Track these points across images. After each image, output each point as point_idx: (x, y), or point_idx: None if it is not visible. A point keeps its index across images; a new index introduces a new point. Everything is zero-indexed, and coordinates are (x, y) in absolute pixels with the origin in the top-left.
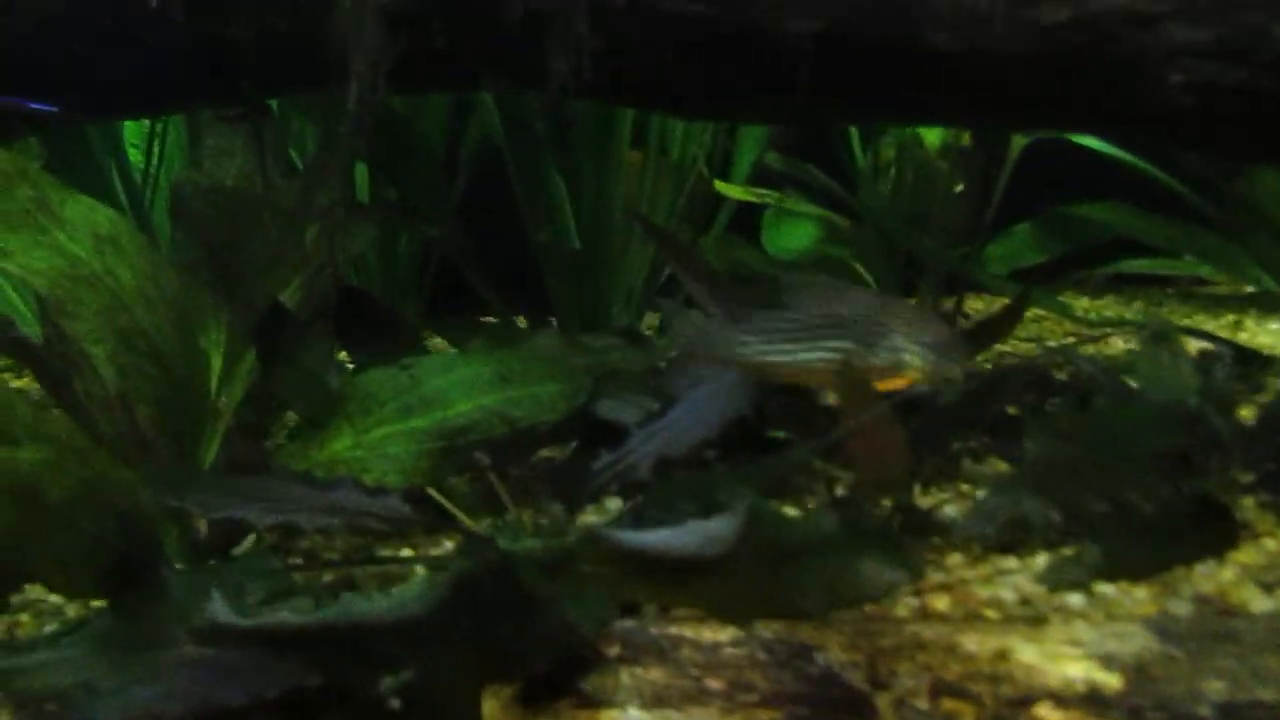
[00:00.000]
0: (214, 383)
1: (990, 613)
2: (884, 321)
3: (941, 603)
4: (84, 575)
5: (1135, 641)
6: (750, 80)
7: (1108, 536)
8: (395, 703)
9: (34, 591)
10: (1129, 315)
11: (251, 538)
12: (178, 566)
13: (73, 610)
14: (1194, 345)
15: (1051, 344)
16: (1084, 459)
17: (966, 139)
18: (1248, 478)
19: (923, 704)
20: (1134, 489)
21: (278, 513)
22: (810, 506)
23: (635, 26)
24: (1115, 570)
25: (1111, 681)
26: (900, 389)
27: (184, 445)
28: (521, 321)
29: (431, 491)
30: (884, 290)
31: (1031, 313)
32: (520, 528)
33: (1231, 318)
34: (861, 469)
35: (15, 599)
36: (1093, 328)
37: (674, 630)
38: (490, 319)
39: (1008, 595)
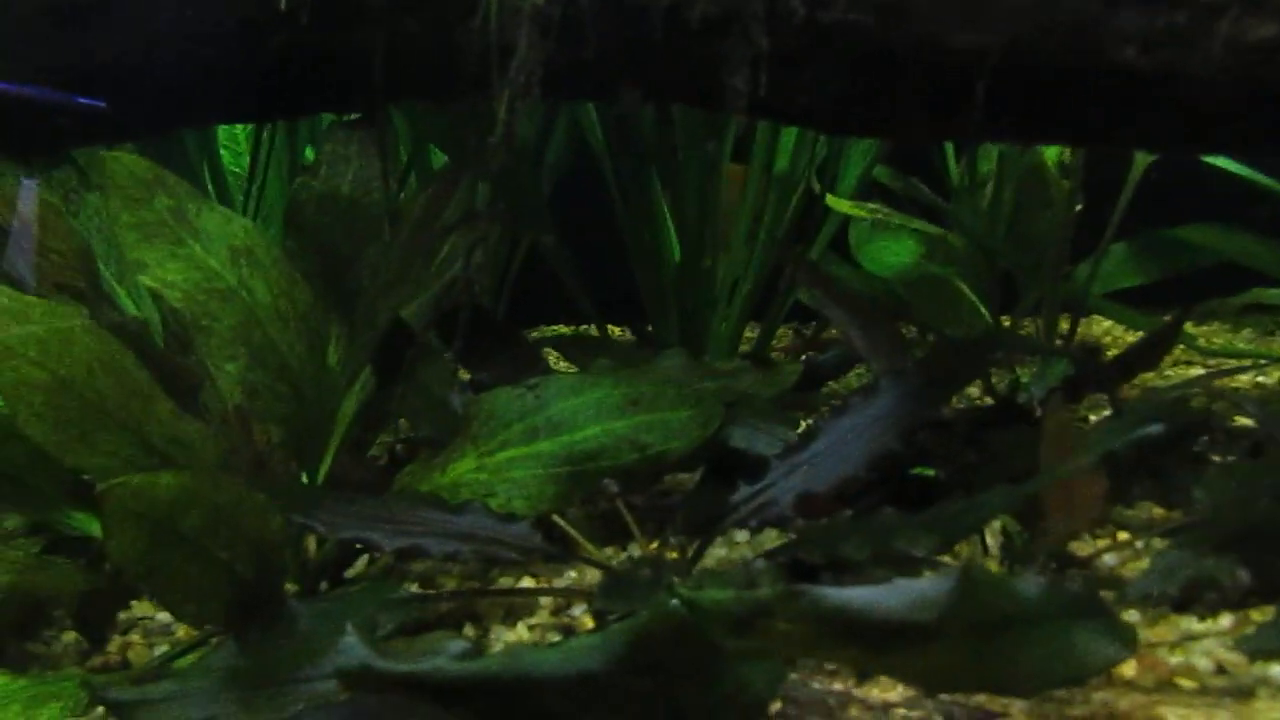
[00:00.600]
0: (342, 402)
1: (1185, 682)
2: None
3: (1128, 668)
4: (213, 603)
5: None
6: (918, 97)
7: None
8: None
9: (140, 608)
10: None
11: (363, 560)
12: (291, 589)
13: (181, 630)
14: None
15: (1193, 376)
16: (1273, 513)
17: (1073, 155)
18: None
19: None
20: None
21: (405, 536)
22: (972, 558)
23: (805, 40)
24: None
25: None
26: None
27: (304, 464)
28: (615, 332)
29: (555, 518)
30: (987, 310)
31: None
32: (658, 561)
33: None
34: (1054, 520)
35: (122, 615)
36: (1220, 360)
37: (838, 686)
38: (588, 329)
39: (1201, 663)
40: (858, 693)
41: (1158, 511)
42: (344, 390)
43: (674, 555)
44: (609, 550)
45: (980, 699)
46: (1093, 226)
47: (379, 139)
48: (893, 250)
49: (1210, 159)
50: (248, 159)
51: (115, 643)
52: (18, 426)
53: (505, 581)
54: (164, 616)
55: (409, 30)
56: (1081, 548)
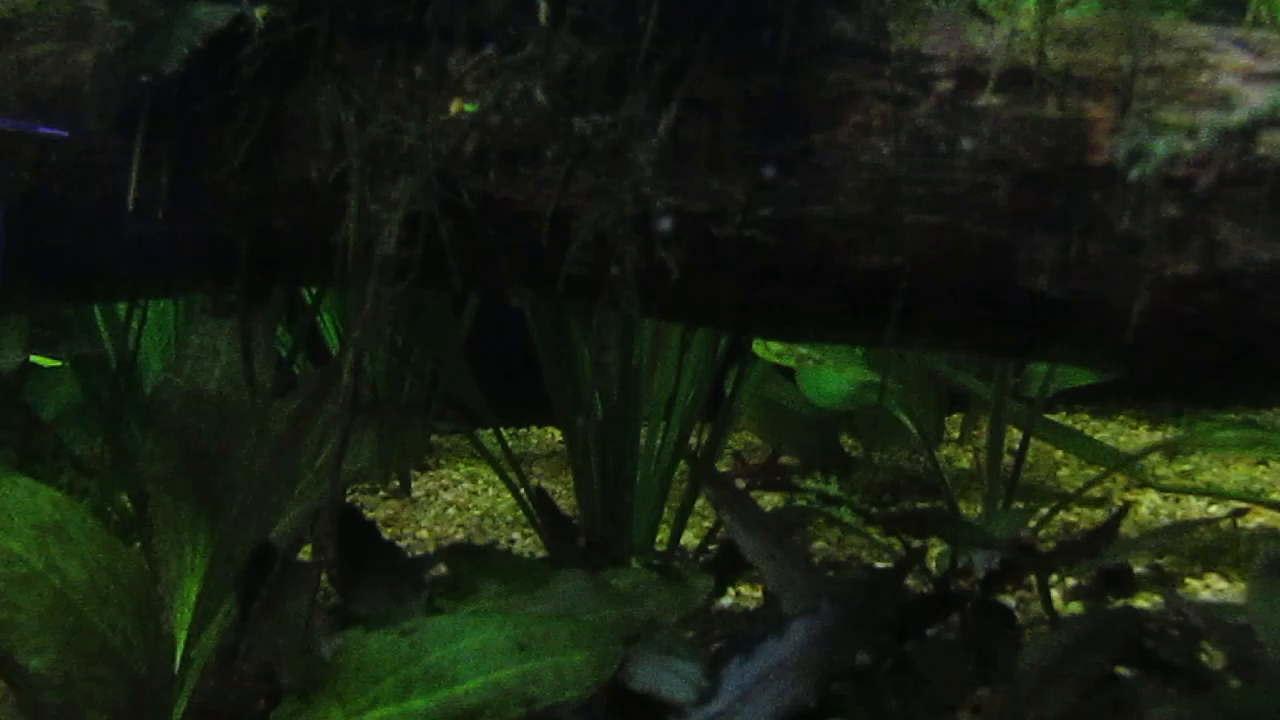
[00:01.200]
0: (196, 645)
1: None
2: None
3: None
4: None
5: None
6: (827, 307)
7: None
8: None
9: None
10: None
11: None
12: None
13: None
14: None
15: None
16: None
17: None
18: None
19: None
20: None
21: None
22: None
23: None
24: None
25: None
26: None
27: None
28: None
29: None
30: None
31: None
32: None
33: None
34: None
35: None
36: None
37: None
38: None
39: None
40: None
41: None
42: (202, 613)
43: None
44: None
45: None
46: None
47: (243, 335)
48: (833, 380)
49: None
50: None
51: None
52: None
53: None
54: None
55: (276, 228)
56: None
